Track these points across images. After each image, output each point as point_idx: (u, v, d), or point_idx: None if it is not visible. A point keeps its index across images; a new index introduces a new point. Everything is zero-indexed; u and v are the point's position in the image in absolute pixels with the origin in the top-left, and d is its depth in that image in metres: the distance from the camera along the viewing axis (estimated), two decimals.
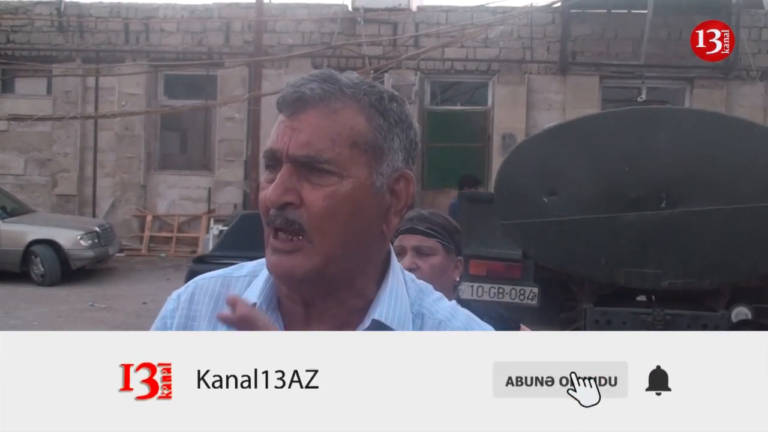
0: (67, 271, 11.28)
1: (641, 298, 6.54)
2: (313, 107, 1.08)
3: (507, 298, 6.29)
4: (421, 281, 1.22)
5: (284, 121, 1.10)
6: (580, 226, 5.97)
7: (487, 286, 6.34)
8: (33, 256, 11.23)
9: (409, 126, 1.14)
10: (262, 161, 1.15)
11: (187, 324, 1.19)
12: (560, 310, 6.67)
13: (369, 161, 1.09)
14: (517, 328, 2.54)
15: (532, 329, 2.51)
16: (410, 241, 2.25)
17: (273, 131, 1.11)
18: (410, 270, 1.43)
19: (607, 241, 5.97)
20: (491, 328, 1.16)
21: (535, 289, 6.31)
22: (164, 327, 1.21)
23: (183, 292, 1.22)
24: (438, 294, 1.21)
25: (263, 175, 1.13)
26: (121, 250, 13.06)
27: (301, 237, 1.08)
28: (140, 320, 8.63)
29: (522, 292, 6.33)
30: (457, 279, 2.34)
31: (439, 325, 1.15)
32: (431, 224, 2.29)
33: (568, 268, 6.29)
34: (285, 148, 1.08)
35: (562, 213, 5.99)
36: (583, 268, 6.19)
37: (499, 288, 6.34)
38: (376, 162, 1.10)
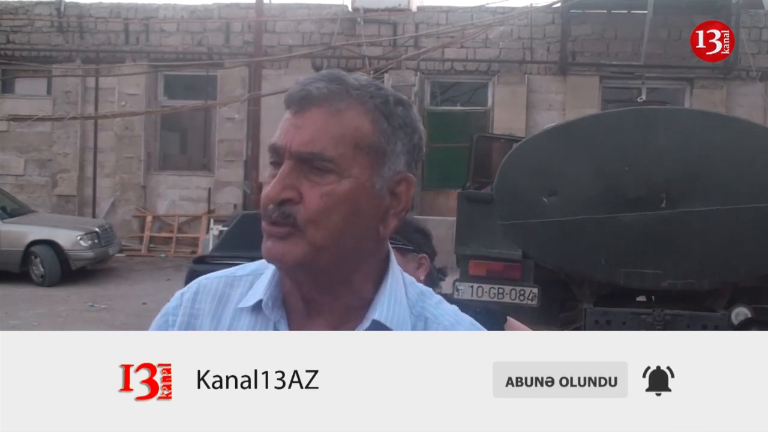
0: (67, 271, 11.27)
1: (641, 298, 6.53)
2: (318, 106, 1.10)
3: (507, 299, 6.28)
4: (421, 284, 1.23)
5: (289, 118, 1.12)
6: (580, 226, 5.97)
7: (486, 287, 6.33)
8: (33, 257, 11.22)
9: (414, 130, 1.15)
10: (262, 161, 1.16)
11: (190, 322, 1.20)
12: (560, 310, 6.66)
13: (371, 163, 1.11)
14: (504, 321, 2.53)
15: (533, 329, 2.50)
16: None
17: (279, 127, 1.14)
18: None
19: (607, 241, 5.96)
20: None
21: (535, 290, 6.30)
22: (165, 323, 1.22)
23: (186, 290, 1.24)
24: (438, 297, 1.22)
25: (267, 172, 1.15)
26: (121, 251, 13.05)
27: (294, 227, 1.10)
28: (140, 320, 8.60)
29: (522, 292, 6.32)
30: (422, 277, 2.32)
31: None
32: None
33: (568, 268, 6.29)
34: (288, 145, 1.09)
35: (562, 213, 5.98)
36: (583, 268, 6.18)
37: (498, 288, 6.33)
38: (378, 164, 1.11)
